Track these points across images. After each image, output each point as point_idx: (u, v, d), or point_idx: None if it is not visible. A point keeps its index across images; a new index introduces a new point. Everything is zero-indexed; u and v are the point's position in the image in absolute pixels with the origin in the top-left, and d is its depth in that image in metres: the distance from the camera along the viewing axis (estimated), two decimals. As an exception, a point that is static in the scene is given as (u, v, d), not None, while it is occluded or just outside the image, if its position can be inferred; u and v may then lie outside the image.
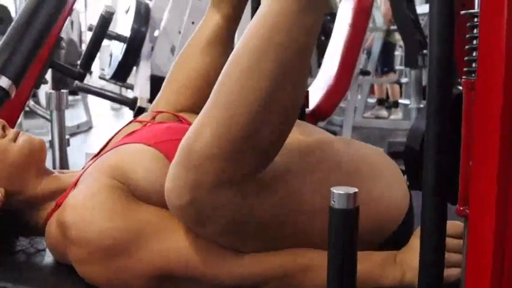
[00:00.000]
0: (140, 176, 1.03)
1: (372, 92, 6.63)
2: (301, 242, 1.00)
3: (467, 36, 0.74)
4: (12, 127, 1.26)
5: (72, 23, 6.14)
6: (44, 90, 2.05)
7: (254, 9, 1.62)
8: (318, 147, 1.07)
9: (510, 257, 0.67)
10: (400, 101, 5.91)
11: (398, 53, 6.53)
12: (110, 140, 1.23)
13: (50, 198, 1.13)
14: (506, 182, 0.68)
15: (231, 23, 1.28)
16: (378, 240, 1.07)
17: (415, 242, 1.04)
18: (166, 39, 2.90)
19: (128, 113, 4.94)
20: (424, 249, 0.73)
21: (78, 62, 1.92)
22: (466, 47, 0.72)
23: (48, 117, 1.95)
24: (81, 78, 1.83)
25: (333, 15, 4.45)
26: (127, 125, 1.27)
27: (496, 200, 0.68)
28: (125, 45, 2.82)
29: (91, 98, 5.61)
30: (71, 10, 1.79)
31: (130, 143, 1.10)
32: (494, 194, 0.68)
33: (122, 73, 2.75)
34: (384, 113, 6.38)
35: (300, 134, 1.11)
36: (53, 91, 1.79)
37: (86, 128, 5.93)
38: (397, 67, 6.44)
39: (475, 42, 0.73)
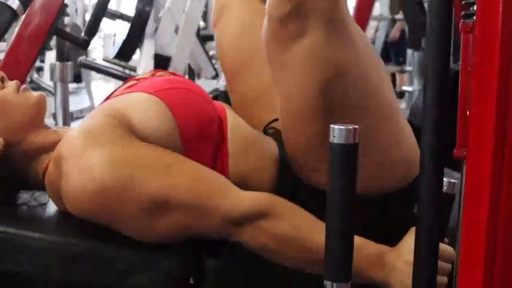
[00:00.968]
0: (140, 120, 1.05)
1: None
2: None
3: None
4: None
5: (76, 10, 6.15)
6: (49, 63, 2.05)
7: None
8: None
9: (506, 195, 0.69)
10: (404, 87, 5.90)
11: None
12: (110, 96, 1.25)
13: (48, 150, 1.14)
14: (505, 124, 0.69)
15: None
16: (406, 180, 1.11)
17: (407, 242, 1.04)
18: (171, 19, 2.91)
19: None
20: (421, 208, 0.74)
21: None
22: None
23: (52, 90, 1.97)
24: (86, 45, 1.84)
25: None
26: (125, 83, 1.28)
27: (493, 142, 0.70)
28: (129, 25, 2.83)
29: (94, 87, 5.63)
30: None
31: (131, 92, 1.11)
32: (491, 135, 0.69)
33: (126, 51, 2.74)
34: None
35: None
36: (57, 62, 1.80)
37: (88, 113, 5.95)
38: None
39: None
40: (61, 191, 1.05)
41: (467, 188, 0.72)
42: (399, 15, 5.15)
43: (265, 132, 1.25)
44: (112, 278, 1.08)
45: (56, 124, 1.98)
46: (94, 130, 1.03)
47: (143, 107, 1.06)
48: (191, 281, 1.11)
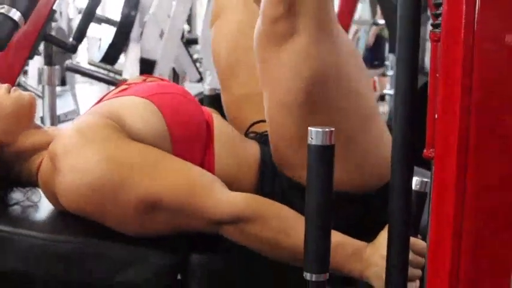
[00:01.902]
0: (133, 121, 1.09)
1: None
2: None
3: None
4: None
5: (60, 13, 6.15)
6: (36, 68, 2.08)
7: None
8: None
9: (470, 192, 0.74)
10: (385, 91, 5.97)
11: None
12: (102, 99, 1.29)
13: (40, 149, 1.18)
14: (468, 127, 0.75)
15: None
16: (387, 178, 1.16)
17: (383, 237, 1.09)
18: (156, 23, 2.95)
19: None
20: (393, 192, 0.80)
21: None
22: (433, 2, 0.79)
23: (39, 93, 2.00)
24: (74, 49, 1.88)
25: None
26: (117, 87, 1.33)
27: (458, 143, 0.75)
28: (115, 29, 2.86)
29: (78, 90, 5.64)
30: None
31: (124, 96, 1.16)
32: (456, 137, 0.75)
33: (111, 55, 2.79)
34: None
35: None
36: (45, 66, 1.84)
37: (74, 116, 5.95)
38: (386, 63, 6.50)
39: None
40: (55, 187, 1.10)
41: (435, 185, 0.77)
42: (381, 20, 5.22)
43: (246, 135, 1.31)
44: (101, 274, 1.12)
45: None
46: (88, 129, 1.08)
47: (136, 110, 1.11)
48: (178, 277, 1.16)
